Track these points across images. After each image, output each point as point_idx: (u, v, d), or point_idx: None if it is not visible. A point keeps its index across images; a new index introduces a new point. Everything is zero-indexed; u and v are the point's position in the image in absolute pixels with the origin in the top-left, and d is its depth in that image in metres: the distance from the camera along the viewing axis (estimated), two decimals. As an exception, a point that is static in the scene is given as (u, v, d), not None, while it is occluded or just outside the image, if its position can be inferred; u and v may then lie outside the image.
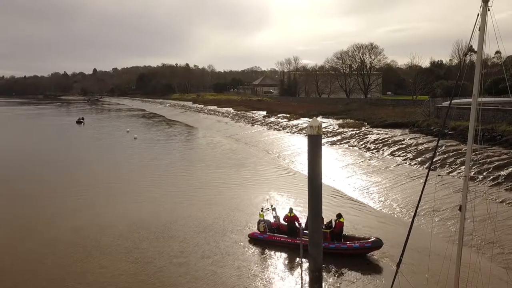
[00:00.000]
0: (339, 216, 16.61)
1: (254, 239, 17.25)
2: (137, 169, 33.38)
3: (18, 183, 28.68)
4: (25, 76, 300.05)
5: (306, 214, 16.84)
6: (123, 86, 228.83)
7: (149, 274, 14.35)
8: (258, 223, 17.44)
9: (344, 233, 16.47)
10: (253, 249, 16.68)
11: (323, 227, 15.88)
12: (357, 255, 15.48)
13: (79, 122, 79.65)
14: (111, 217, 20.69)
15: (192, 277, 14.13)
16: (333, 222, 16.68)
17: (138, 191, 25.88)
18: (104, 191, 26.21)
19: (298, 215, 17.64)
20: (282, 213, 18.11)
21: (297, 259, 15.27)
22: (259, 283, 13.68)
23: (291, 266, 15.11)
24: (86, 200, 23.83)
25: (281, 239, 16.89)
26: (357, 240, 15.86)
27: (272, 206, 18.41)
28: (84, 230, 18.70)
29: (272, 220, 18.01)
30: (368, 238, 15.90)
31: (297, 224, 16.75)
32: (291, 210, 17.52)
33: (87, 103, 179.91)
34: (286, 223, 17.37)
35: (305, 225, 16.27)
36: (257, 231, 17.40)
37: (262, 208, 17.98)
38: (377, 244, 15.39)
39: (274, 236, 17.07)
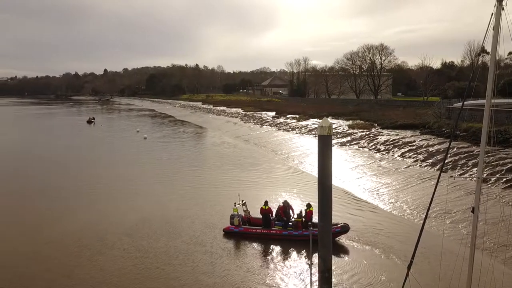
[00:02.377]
0: (308, 205, 18.13)
1: (229, 233, 18.07)
2: (146, 168, 33.57)
3: (28, 181, 29.05)
4: (37, 76, 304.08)
5: (277, 206, 18.78)
6: (133, 86, 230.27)
7: (151, 273, 14.47)
8: (232, 217, 18.29)
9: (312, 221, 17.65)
10: (258, 248, 16.89)
11: (295, 216, 18.08)
12: None
13: (89, 121, 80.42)
14: (118, 215, 20.89)
15: (196, 277, 14.17)
16: (303, 212, 18.14)
17: (146, 190, 26.07)
18: (112, 189, 26.46)
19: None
20: (251, 208, 19.40)
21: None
22: (269, 283, 13.68)
23: (299, 266, 15.07)
24: (93, 198, 24.09)
25: (257, 230, 17.96)
26: None
27: (243, 201, 19.22)
28: (90, 227, 18.91)
29: (242, 214, 18.98)
30: (337, 224, 17.06)
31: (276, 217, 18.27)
32: (266, 203, 18.57)
33: (97, 103, 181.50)
34: (261, 216, 18.39)
35: (275, 215, 18.33)
36: (232, 225, 18.21)
37: (235, 203, 18.70)
38: (345, 228, 17.14)
39: (250, 229, 18.09)
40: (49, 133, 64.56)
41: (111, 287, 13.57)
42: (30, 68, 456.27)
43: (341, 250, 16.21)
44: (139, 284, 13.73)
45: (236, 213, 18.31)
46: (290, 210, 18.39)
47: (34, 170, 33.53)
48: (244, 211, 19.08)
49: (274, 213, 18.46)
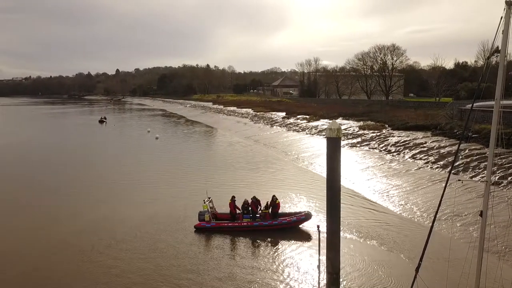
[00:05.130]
0: (275, 197, 19.69)
1: (201, 229, 18.79)
2: (157, 167, 33.91)
3: (40, 179, 29.64)
4: (50, 76, 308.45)
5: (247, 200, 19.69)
6: (144, 86, 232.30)
7: (156, 272, 14.70)
8: (202, 214, 19.12)
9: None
10: (262, 247, 17.11)
11: (263, 208, 19.45)
12: (294, 226, 18.80)
13: (101, 121, 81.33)
14: (127, 214, 21.22)
15: (203, 276, 14.34)
16: (269, 203, 19.52)
17: (156, 188, 26.42)
18: (123, 188, 26.89)
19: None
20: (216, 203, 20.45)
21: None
22: (277, 283, 13.79)
23: (306, 266, 15.14)
24: (102, 197, 24.54)
25: (229, 224, 19.06)
26: (293, 215, 19.11)
27: (209, 198, 20.12)
28: (99, 225, 19.32)
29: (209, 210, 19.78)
30: (300, 212, 19.31)
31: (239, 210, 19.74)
32: (233, 197, 19.86)
33: (110, 103, 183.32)
34: (229, 210, 19.65)
35: (242, 209, 19.59)
36: (203, 222, 18.99)
37: (204, 200, 19.62)
38: (309, 216, 18.95)
39: (221, 223, 19.11)
40: (62, 132, 65.49)
41: (118, 284, 13.84)
42: (43, 68, 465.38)
43: (350, 250, 16.23)
44: (144, 283, 13.96)
45: (206, 209, 19.18)
46: (258, 204, 19.78)
47: (47, 168, 34.11)
48: (211, 207, 19.80)
49: (240, 207, 19.72)
